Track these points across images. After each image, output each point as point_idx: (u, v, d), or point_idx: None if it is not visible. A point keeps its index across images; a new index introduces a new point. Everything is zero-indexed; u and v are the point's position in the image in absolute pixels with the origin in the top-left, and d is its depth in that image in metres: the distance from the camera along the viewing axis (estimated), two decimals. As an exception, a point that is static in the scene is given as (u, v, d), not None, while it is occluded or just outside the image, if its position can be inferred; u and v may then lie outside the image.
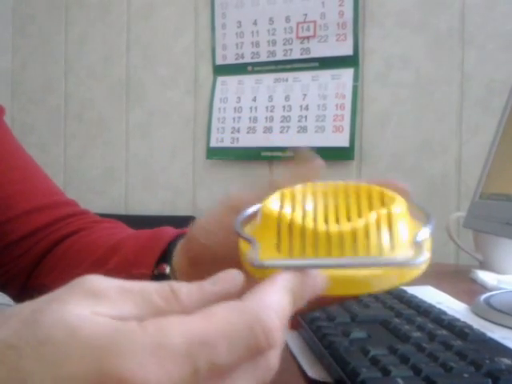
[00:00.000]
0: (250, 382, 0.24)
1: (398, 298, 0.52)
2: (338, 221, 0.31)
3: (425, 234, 0.30)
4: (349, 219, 0.31)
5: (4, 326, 0.24)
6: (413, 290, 0.57)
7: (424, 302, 0.50)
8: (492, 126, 0.75)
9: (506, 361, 0.34)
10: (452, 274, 0.82)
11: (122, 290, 0.25)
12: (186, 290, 0.25)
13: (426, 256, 0.28)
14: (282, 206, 0.32)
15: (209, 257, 0.41)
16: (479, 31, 1.50)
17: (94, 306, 0.23)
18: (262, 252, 0.28)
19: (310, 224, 0.29)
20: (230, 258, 0.32)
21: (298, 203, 0.32)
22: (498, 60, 1.47)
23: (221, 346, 0.22)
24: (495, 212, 0.66)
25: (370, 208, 0.32)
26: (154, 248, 0.49)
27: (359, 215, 0.31)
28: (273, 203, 0.32)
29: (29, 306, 0.24)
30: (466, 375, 0.32)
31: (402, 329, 0.41)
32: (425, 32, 1.56)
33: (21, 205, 0.59)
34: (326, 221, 0.30)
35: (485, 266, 0.83)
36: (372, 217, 0.30)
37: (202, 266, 0.42)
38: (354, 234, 0.29)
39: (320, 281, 0.27)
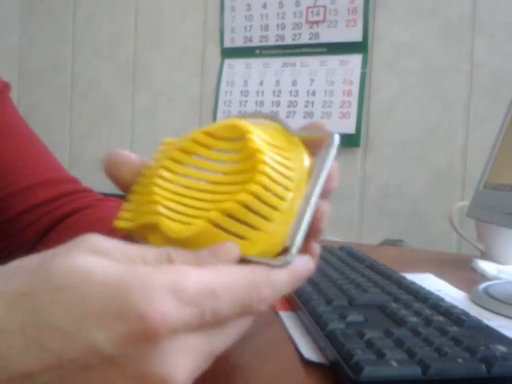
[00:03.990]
0: (232, 336, 0.27)
1: (396, 284, 0.52)
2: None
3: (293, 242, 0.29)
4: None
5: (13, 277, 0.24)
6: (412, 277, 0.57)
7: (422, 289, 0.50)
8: (500, 115, 0.74)
9: (501, 348, 0.35)
10: (453, 263, 0.83)
11: (123, 251, 0.26)
12: (182, 258, 0.26)
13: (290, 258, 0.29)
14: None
15: None
16: (490, 20, 1.48)
17: (98, 260, 0.24)
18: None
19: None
20: None
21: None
22: (507, 49, 1.46)
23: (225, 299, 0.25)
24: (498, 202, 0.66)
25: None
26: None
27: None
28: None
29: (34, 259, 0.25)
30: (460, 360, 0.33)
31: (398, 313, 0.41)
32: (435, 19, 1.54)
33: (24, 179, 0.59)
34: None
35: (486, 255, 0.83)
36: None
37: None
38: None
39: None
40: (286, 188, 0.30)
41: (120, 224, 0.33)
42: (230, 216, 0.29)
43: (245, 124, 0.33)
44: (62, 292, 0.23)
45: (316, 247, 0.33)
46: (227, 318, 0.25)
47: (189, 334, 0.24)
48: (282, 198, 0.30)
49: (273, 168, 0.30)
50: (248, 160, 0.31)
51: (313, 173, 0.31)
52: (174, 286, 0.23)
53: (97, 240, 0.26)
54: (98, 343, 0.22)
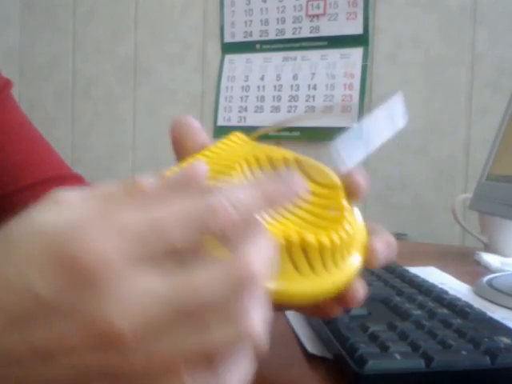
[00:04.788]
0: (214, 285, 0.22)
1: (400, 277, 0.52)
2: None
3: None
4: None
5: None
6: (416, 270, 0.57)
7: (426, 282, 0.50)
8: (502, 107, 0.74)
9: (505, 340, 0.35)
10: (456, 256, 0.82)
11: (86, 196, 0.25)
12: (150, 183, 0.25)
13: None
14: None
15: None
16: (491, 11, 1.47)
17: (54, 213, 0.23)
18: None
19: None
20: None
21: None
22: (509, 40, 1.45)
23: (170, 223, 0.22)
24: (501, 194, 0.65)
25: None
26: None
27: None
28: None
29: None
30: (464, 352, 0.33)
31: (402, 307, 0.41)
32: (436, 11, 1.54)
33: (28, 176, 0.59)
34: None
35: (489, 248, 0.83)
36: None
37: None
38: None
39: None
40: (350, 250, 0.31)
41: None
42: (304, 249, 0.29)
43: (336, 180, 0.34)
44: (11, 246, 0.22)
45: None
46: (185, 249, 0.23)
47: (136, 274, 0.21)
48: (344, 259, 0.31)
49: (348, 231, 0.31)
50: (333, 211, 0.32)
51: None
52: (109, 222, 0.22)
53: (61, 192, 0.25)
54: (39, 290, 0.21)
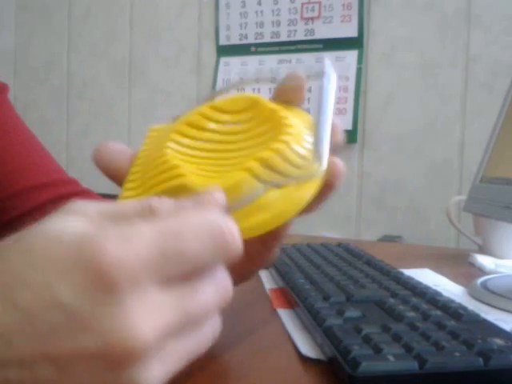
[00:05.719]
0: (213, 295, 0.26)
1: (394, 280, 0.52)
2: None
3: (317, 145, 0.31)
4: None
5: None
6: (410, 272, 0.57)
7: (420, 284, 0.50)
8: (496, 109, 0.74)
9: (499, 341, 0.35)
10: (451, 258, 0.83)
11: (101, 209, 0.25)
12: (166, 208, 0.25)
13: (323, 167, 0.30)
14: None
15: None
16: (485, 13, 1.48)
17: (76, 223, 0.24)
18: None
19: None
20: None
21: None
22: (503, 42, 1.45)
23: (188, 236, 0.24)
24: (495, 196, 0.66)
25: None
26: None
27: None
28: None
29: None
30: (457, 354, 0.33)
31: (396, 309, 0.41)
32: (430, 13, 1.54)
33: (23, 181, 0.59)
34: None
35: (484, 250, 0.83)
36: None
37: None
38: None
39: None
40: (307, 145, 0.31)
41: (126, 194, 0.32)
42: (267, 166, 0.29)
43: (251, 95, 0.33)
44: (32, 252, 0.23)
45: (339, 162, 0.32)
46: (200, 263, 0.24)
47: (155, 287, 0.23)
48: (304, 157, 0.30)
49: (293, 125, 0.31)
50: (267, 122, 0.31)
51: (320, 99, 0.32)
52: (130, 232, 0.23)
53: (79, 203, 0.26)
54: (62, 296, 0.22)
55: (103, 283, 0.22)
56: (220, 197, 0.27)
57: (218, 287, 0.26)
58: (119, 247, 0.22)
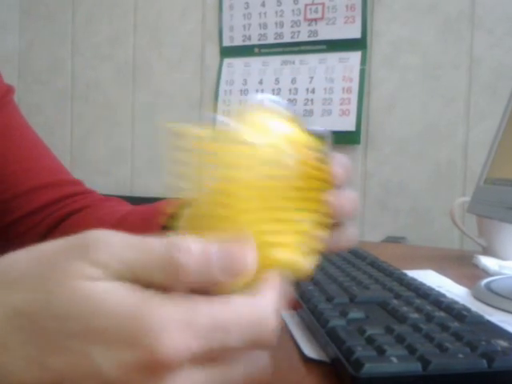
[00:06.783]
0: (243, 372, 0.26)
1: (397, 281, 0.52)
2: None
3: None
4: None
5: (14, 287, 0.24)
6: (414, 274, 0.57)
7: (423, 285, 0.50)
8: (500, 111, 0.74)
9: (502, 343, 0.34)
10: (455, 259, 0.82)
11: (122, 259, 0.24)
12: (192, 270, 0.24)
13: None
14: None
15: None
16: (489, 15, 1.48)
17: (97, 276, 0.24)
18: None
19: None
20: None
21: None
22: (507, 44, 1.45)
23: (234, 333, 0.24)
24: (499, 197, 0.65)
25: None
26: (158, 219, 0.49)
27: None
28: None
29: (31, 267, 0.24)
30: (461, 356, 0.33)
31: (399, 310, 0.41)
32: (434, 15, 1.54)
33: (27, 182, 0.60)
34: None
35: (488, 251, 0.83)
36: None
37: None
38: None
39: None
40: None
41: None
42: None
43: None
44: (68, 321, 0.23)
45: (352, 231, 0.33)
46: (238, 352, 0.25)
47: (193, 368, 0.24)
48: None
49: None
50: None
51: None
52: (187, 321, 0.23)
53: (95, 246, 0.24)
54: (104, 368, 0.22)
55: (150, 368, 0.23)
56: (251, 264, 0.26)
57: (252, 367, 0.26)
58: (174, 339, 0.22)
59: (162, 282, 0.24)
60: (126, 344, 0.22)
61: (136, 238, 0.25)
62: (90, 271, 0.23)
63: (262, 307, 0.25)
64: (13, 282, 0.24)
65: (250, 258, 0.25)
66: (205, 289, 0.25)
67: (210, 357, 0.24)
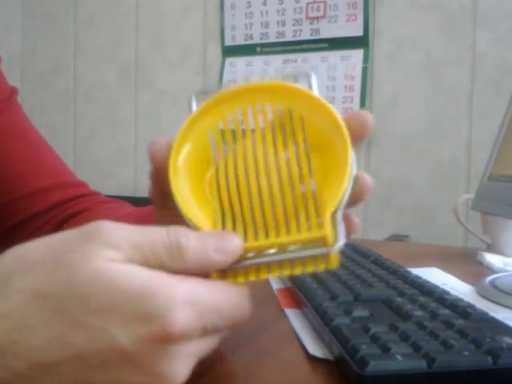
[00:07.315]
0: (216, 341, 0.30)
1: (401, 279, 0.52)
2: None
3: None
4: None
5: (29, 272, 0.26)
6: (418, 271, 0.57)
7: (428, 282, 0.50)
8: (503, 108, 0.74)
9: (508, 340, 0.34)
10: (459, 257, 0.82)
11: (132, 243, 0.27)
12: (192, 252, 0.28)
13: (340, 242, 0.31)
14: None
15: None
16: (492, 12, 1.47)
17: (112, 257, 0.26)
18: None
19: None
20: None
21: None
22: (509, 41, 1.45)
23: (225, 318, 0.28)
24: (503, 194, 0.65)
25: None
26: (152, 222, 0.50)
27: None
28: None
29: (45, 252, 0.26)
30: (466, 353, 0.32)
31: (404, 308, 0.41)
32: (436, 12, 1.54)
33: (32, 184, 0.60)
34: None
35: (492, 248, 0.82)
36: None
37: None
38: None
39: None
40: None
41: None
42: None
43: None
44: (88, 298, 0.25)
45: (368, 178, 0.35)
46: (219, 331, 0.29)
47: (191, 341, 0.27)
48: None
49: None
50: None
51: None
52: (193, 300, 0.26)
53: (105, 232, 0.27)
54: (121, 342, 0.25)
55: (161, 340, 0.25)
56: (239, 247, 0.29)
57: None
58: (180, 317, 0.26)
59: (168, 263, 0.27)
60: (141, 320, 0.25)
61: (141, 227, 0.28)
62: (107, 253, 0.26)
63: (243, 300, 0.29)
64: (30, 266, 0.26)
65: (237, 238, 0.30)
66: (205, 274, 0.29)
67: (203, 334, 0.27)
